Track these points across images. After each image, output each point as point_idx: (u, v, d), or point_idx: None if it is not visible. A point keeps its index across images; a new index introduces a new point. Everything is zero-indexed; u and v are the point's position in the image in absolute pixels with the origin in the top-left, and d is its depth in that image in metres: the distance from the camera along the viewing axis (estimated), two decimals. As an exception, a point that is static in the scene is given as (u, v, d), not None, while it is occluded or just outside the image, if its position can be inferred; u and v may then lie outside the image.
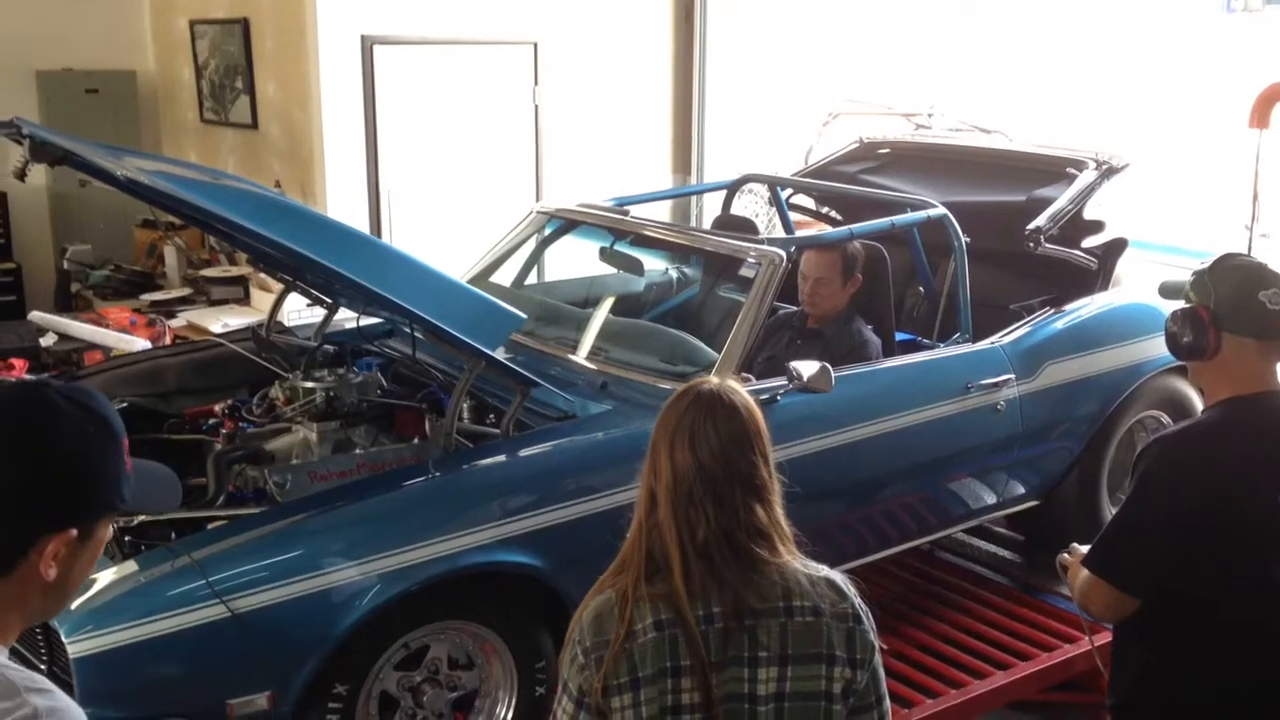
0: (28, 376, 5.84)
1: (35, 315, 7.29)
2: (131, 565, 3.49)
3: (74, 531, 1.70)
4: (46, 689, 1.66)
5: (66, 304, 8.56)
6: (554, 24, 8.67)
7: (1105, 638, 3.27)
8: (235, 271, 8.31)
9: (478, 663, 4.00)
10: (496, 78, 8.53)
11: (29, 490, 1.66)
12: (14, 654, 1.77)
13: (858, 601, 2.36)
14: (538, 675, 4.01)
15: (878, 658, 2.37)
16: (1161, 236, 6.79)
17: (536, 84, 8.68)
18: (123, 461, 1.77)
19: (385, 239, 7.74)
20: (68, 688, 3.38)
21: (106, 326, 7.09)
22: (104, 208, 9.06)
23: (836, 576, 2.38)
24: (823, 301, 5.12)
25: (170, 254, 8.63)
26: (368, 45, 7.99)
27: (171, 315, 7.71)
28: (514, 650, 4.00)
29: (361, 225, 7.85)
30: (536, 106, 8.72)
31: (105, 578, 3.43)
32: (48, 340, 6.86)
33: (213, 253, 8.72)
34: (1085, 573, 3.02)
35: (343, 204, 7.95)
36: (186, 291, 8.29)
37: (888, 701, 2.41)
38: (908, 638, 5.05)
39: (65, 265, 8.80)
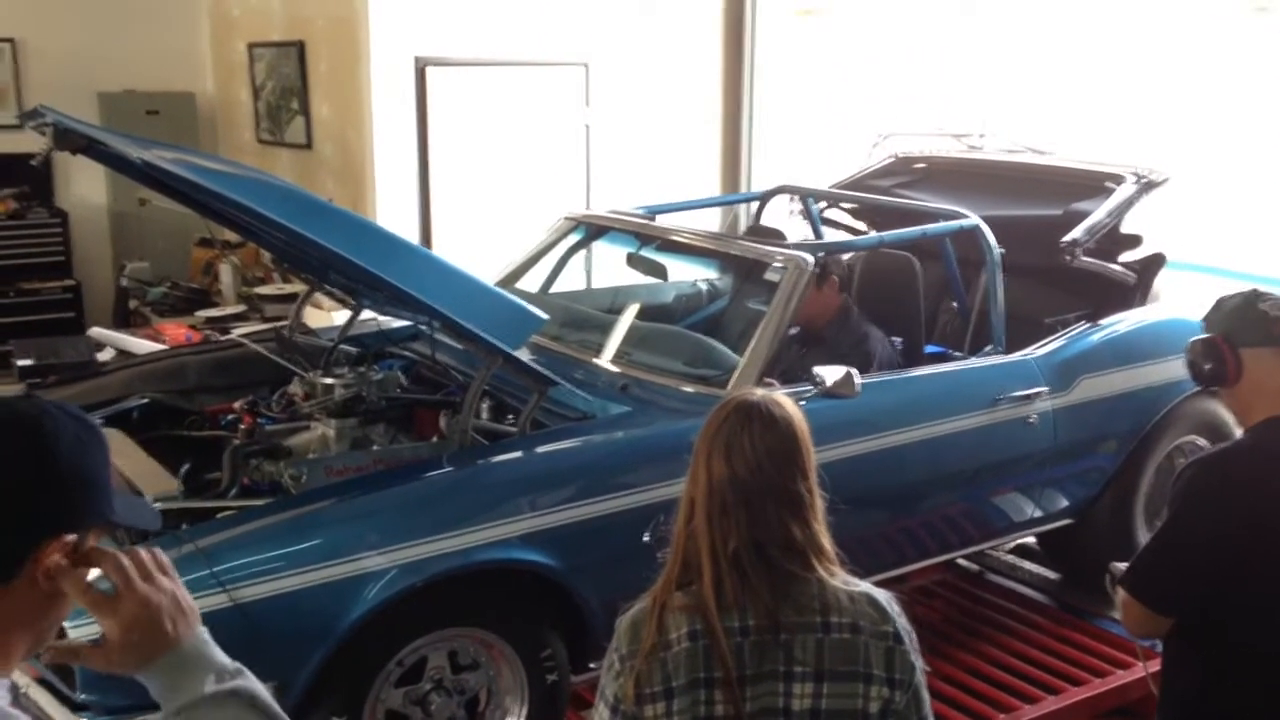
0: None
1: (94, 331, 7.39)
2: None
3: (72, 537, 1.69)
4: None
5: (124, 320, 8.69)
6: (604, 45, 8.73)
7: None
8: (289, 289, 8.37)
9: (481, 662, 3.96)
10: (547, 99, 8.59)
11: (32, 494, 1.65)
12: None
13: (900, 622, 2.33)
14: (545, 664, 3.97)
15: (919, 678, 2.33)
16: (1221, 261, 6.64)
17: (587, 105, 8.73)
18: (110, 472, 1.76)
19: (435, 257, 7.79)
20: (69, 673, 3.41)
21: (162, 342, 7.17)
22: (163, 227, 9.20)
23: (880, 595, 2.36)
24: (805, 308, 5.03)
25: (226, 272, 8.74)
26: (420, 67, 8.07)
27: (226, 332, 7.76)
28: (521, 653, 3.95)
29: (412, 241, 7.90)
30: (587, 127, 8.76)
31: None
32: (105, 355, 6.94)
33: (267, 271, 8.82)
34: (1122, 591, 3.03)
35: (394, 223, 7.99)
36: (241, 308, 8.37)
37: None
38: (957, 661, 4.99)
39: (124, 282, 8.94)
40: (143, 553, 1.73)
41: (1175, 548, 2.93)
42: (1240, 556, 2.83)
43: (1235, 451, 3.03)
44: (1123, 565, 3.07)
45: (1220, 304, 3.05)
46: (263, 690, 1.70)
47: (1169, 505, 3.00)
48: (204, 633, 1.73)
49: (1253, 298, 2.99)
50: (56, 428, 1.67)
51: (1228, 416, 5.36)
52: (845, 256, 5.49)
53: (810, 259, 4.63)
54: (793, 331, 5.25)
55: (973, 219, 5.15)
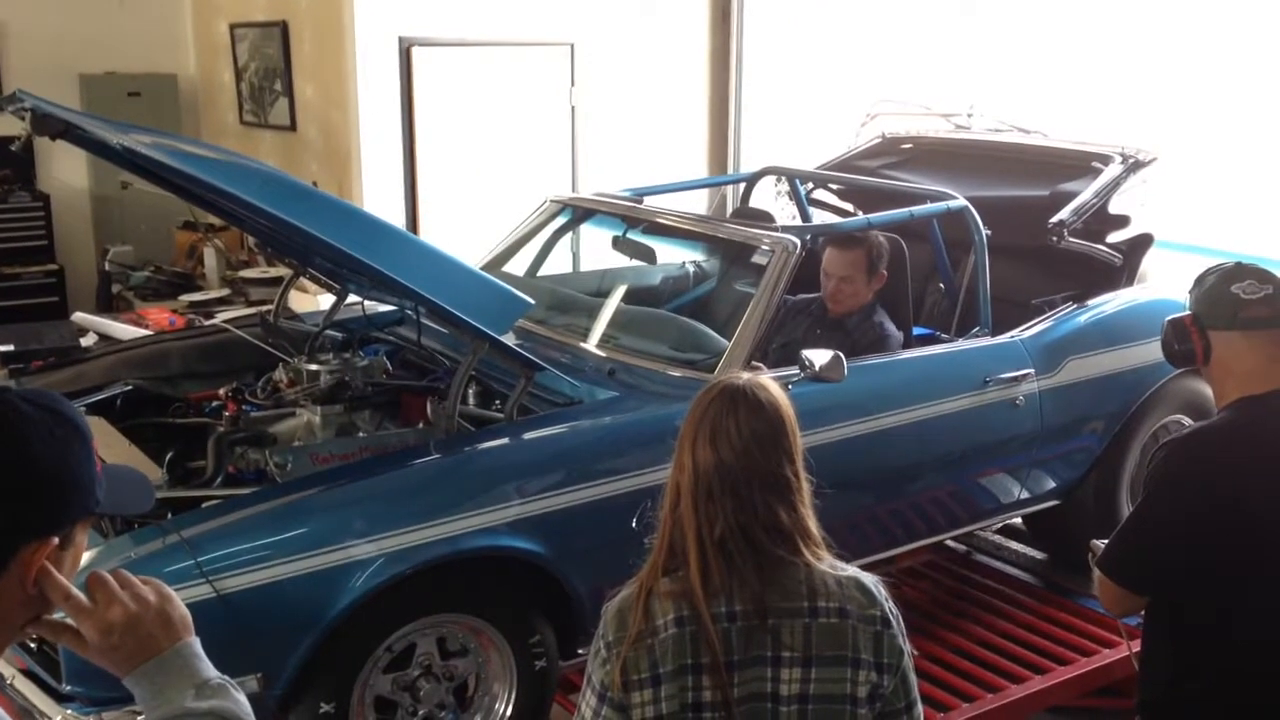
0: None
1: (78, 316, 7.35)
2: (122, 542, 3.47)
3: (55, 540, 1.64)
4: None
5: (107, 304, 8.64)
6: (591, 25, 8.68)
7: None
8: (273, 273, 8.34)
9: (470, 648, 3.95)
10: (533, 79, 8.55)
11: (5, 503, 1.59)
12: None
13: (887, 605, 2.33)
14: (534, 650, 3.96)
15: (907, 662, 2.34)
16: (1209, 240, 6.62)
17: (573, 85, 8.69)
18: (93, 463, 1.70)
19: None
20: (54, 664, 3.39)
21: (146, 327, 7.13)
22: (145, 210, 9.14)
23: (866, 579, 2.35)
24: (847, 300, 5.08)
25: (210, 255, 8.70)
26: (405, 47, 8.03)
27: (210, 316, 7.73)
28: (509, 639, 3.95)
29: (397, 225, 7.87)
30: (573, 108, 8.73)
31: (96, 555, 3.39)
32: (88, 340, 6.90)
33: (251, 254, 8.78)
34: (1097, 570, 3.04)
35: (379, 205, 7.97)
36: (225, 292, 8.34)
37: (919, 707, 2.39)
38: (944, 641, 5.00)
39: (107, 267, 8.89)
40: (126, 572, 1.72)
41: (1148, 527, 2.95)
42: (1212, 536, 2.84)
43: (1207, 431, 3.04)
44: (1103, 542, 3.08)
45: (1200, 280, 3.05)
46: (243, 709, 1.68)
47: (1144, 486, 3.02)
48: (193, 645, 1.71)
49: (1229, 277, 2.96)
50: (27, 430, 1.61)
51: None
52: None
53: (796, 242, 4.61)
54: (810, 297, 5.26)
55: (960, 200, 5.14)
